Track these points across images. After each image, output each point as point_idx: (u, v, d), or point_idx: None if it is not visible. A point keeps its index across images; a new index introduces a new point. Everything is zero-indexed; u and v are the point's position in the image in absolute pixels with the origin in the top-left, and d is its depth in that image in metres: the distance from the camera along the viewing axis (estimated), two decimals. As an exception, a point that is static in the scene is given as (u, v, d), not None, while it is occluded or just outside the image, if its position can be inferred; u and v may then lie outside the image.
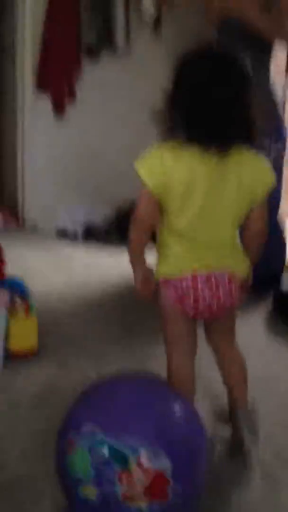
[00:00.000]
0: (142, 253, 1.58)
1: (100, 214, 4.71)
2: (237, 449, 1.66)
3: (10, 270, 2.30)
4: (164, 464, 1.26)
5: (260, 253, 1.63)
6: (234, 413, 1.68)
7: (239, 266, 1.57)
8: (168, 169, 1.44)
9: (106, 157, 4.67)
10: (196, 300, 1.52)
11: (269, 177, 1.55)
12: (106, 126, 4.66)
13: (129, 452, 1.25)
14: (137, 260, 1.57)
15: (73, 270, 3.55)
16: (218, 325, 1.66)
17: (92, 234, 4.56)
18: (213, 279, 1.51)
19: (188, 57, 1.50)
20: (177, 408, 1.40)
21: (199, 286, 1.50)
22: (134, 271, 1.58)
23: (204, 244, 1.51)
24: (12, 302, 2.26)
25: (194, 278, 1.50)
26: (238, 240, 1.61)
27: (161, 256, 1.56)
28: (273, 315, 2.78)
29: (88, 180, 4.67)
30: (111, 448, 1.26)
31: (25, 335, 2.29)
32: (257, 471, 1.64)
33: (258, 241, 1.61)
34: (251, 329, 2.60)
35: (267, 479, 1.63)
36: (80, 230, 4.58)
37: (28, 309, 2.31)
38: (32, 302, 2.33)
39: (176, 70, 1.49)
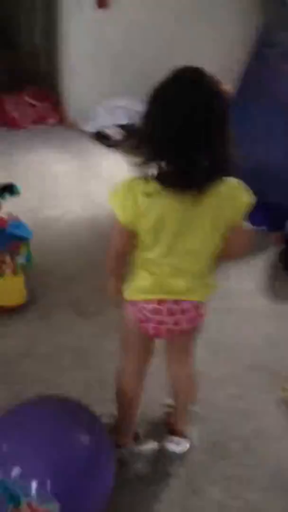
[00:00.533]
0: (118, 271, 1.59)
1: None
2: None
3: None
4: (52, 506, 1.40)
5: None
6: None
7: (207, 292, 1.57)
8: (140, 206, 1.39)
9: (149, 52, 4.40)
10: (157, 325, 1.57)
11: (245, 202, 1.44)
12: (150, 19, 4.34)
13: (21, 493, 1.40)
14: (111, 275, 1.61)
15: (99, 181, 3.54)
16: (174, 345, 1.70)
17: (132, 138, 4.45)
18: (177, 307, 1.53)
19: (158, 88, 1.34)
20: (80, 444, 1.50)
21: (163, 313, 1.54)
22: (108, 283, 1.61)
23: (174, 275, 1.49)
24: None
25: (159, 305, 1.52)
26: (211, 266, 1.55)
27: (132, 278, 1.57)
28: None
29: (130, 76, 4.45)
30: (5, 487, 1.41)
31: (11, 291, 2.42)
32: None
33: (239, 256, 1.60)
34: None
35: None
36: (119, 132, 4.46)
37: (15, 268, 2.41)
38: (25, 254, 2.44)
39: (147, 103, 1.35)
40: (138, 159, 1.36)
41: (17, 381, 2.10)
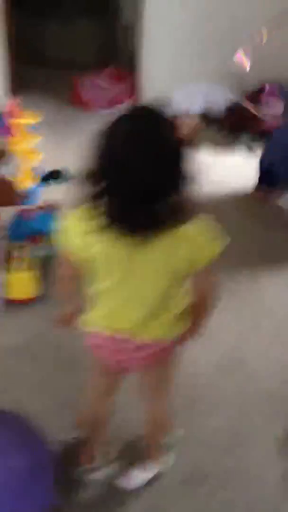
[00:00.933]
0: (70, 295, 1.55)
1: (220, 99, 4.33)
2: None
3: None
4: None
5: (206, 314, 1.48)
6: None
7: (166, 331, 1.46)
8: (85, 242, 1.33)
9: (231, 34, 4.16)
10: (110, 357, 1.51)
11: (210, 251, 1.33)
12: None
13: None
14: (63, 300, 1.56)
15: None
16: (144, 379, 1.62)
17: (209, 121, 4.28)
18: (129, 343, 1.44)
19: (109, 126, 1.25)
20: (14, 477, 1.46)
21: (113, 347, 1.47)
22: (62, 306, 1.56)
23: (125, 310, 1.41)
24: (11, 256, 2.37)
25: (110, 338, 1.45)
26: (173, 305, 1.44)
27: (86, 307, 1.49)
28: None
29: (210, 58, 4.26)
30: None
31: (22, 286, 2.42)
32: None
33: (203, 303, 1.46)
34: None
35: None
36: (193, 118, 4.29)
37: (29, 262, 2.41)
38: (46, 247, 2.42)
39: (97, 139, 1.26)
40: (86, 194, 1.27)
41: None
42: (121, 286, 1.37)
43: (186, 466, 1.86)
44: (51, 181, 3.12)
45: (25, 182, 2.99)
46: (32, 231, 2.50)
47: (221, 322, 2.37)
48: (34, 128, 3.14)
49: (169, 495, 1.77)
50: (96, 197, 1.24)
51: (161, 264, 1.32)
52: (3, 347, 2.26)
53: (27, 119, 3.11)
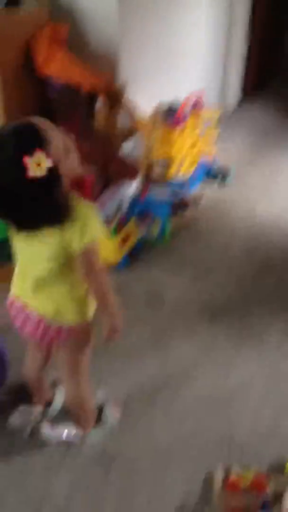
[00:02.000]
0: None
1: None
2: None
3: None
4: None
5: (102, 300, 1.53)
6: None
7: (51, 308, 1.55)
8: None
9: None
10: (14, 322, 1.62)
11: (83, 239, 1.41)
12: None
13: None
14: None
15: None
16: (56, 357, 1.72)
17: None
18: (23, 312, 1.58)
19: None
20: None
21: (13, 312, 1.61)
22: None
23: (20, 281, 1.58)
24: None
25: (12, 303, 1.61)
26: (59, 282, 1.53)
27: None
28: None
29: None
30: None
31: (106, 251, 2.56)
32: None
33: (91, 287, 1.53)
34: None
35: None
36: None
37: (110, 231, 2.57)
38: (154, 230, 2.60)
39: None
40: None
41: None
42: (21, 264, 1.54)
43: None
44: (217, 179, 3.24)
45: (185, 171, 3.17)
46: (145, 209, 2.68)
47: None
48: (208, 124, 3.28)
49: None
50: None
51: (44, 249, 1.44)
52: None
53: (207, 113, 3.25)
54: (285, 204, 3.11)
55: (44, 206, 1.32)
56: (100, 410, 1.91)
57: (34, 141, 1.25)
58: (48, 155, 1.24)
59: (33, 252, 1.48)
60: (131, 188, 2.72)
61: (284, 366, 2.13)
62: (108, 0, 2.48)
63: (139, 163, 2.63)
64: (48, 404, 1.96)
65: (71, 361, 1.68)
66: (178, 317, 2.35)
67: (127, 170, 2.60)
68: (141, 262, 2.67)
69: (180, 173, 3.15)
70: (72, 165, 1.37)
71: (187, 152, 3.15)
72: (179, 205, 2.97)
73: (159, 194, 2.83)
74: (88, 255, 1.44)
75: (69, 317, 1.56)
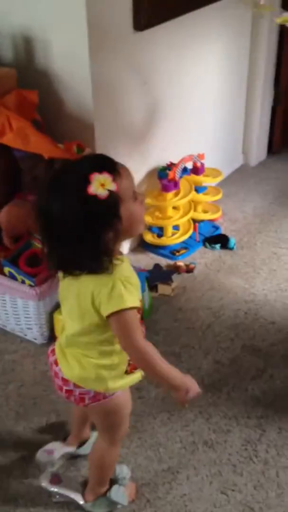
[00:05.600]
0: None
1: None
2: None
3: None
4: None
5: (144, 368, 1.46)
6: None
7: (76, 373, 1.50)
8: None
9: None
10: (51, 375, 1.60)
11: (112, 302, 1.34)
12: None
13: None
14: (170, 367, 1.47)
15: None
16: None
17: None
18: (53, 367, 1.56)
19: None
20: None
21: (50, 360, 1.59)
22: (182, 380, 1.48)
23: (61, 339, 1.55)
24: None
25: (51, 351, 1.60)
26: (89, 348, 1.49)
27: None
28: None
29: None
30: None
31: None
32: None
33: (132, 360, 1.48)
34: None
35: None
36: None
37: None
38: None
39: None
40: None
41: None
42: (63, 314, 1.52)
43: None
44: (216, 246, 3.02)
45: (180, 237, 2.99)
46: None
47: None
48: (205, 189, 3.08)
49: None
50: None
51: (75, 301, 1.40)
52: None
53: (208, 178, 3.07)
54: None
55: (89, 241, 1.27)
56: (111, 486, 1.80)
57: (106, 165, 1.26)
58: (115, 181, 1.23)
59: (71, 305, 1.43)
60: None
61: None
62: (80, 60, 2.38)
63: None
64: (81, 444, 1.93)
65: (103, 427, 1.65)
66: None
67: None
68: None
69: (174, 240, 2.96)
70: (136, 211, 1.33)
71: (182, 217, 2.96)
72: (167, 273, 2.77)
73: (140, 264, 2.66)
74: (118, 327, 1.36)
75: (92, 384, 1.50)
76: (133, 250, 3.01)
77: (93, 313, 1.38)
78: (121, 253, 1.40)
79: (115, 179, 1.24)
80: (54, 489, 1.81)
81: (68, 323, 1.49)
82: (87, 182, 1.21)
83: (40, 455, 1.88)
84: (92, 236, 1.27)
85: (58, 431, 2.02)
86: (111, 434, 1.66)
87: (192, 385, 1.46)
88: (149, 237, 2.98)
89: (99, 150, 2.55)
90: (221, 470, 1.92)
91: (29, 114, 2.40)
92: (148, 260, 2.94)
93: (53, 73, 2.51)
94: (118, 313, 1.33)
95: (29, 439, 2.02)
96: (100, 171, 1.22)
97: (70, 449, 1.91)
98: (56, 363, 1.55)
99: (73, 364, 1.50)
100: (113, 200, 1.24)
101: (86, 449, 1.90)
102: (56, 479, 1.83)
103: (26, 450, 1.97)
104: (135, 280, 1.40)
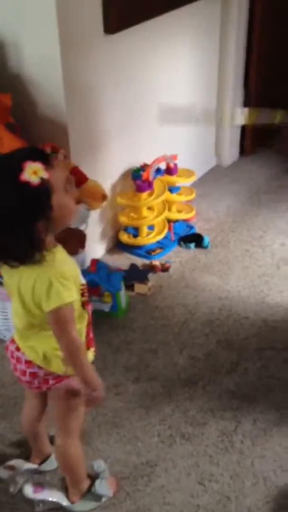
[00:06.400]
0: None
1: None
2: None
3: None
4: None
5: (69, 357, 1.47)
6: None
7: (35, 355, 1.54)
8: None
9: None
10: (10, 361, 1.62)
11: (49, 301, 1.38)
12: None
13: None
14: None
15: None
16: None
17: None
18: (15, 353, 1.58)
19: None
20: None
21: (8, 353, 1.62)
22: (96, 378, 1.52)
23: (15, 329, 1.59)
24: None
25: (11, 341, 1.62)
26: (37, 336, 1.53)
27: None
28: None
29: None
30: None
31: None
32: None
33: (61, 351, 1.48)
34: None
35: None
36: None
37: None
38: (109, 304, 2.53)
39: None
40: None
41: None
42: (13, 302, 1.52)
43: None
44: (190, 245, 3.07)
45: (155, 237, 3.03)
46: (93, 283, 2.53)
47: None
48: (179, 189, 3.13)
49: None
50: None
51: (16, 290, 1.42)
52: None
53: (181, 178, 3.12)
54: (262, 272, 2.88)
55: (20, 229, 1.30)
56: (93, 481, 1.83)
57: (40, 155, 1.30)
58: (47, 170, 1.27)
59: (15, 301, 1.46)
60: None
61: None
62: (52, 63, 2.41)
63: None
64: (44, 460, 1.90)
65: (61, 413, 1.66)
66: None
67: (74, 239, 2.47)
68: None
69: (149, 239, 3.01)
70: (67, 203, 1.36)
71: (157, 217, 3.00)
72: (143, 273, 2.81)
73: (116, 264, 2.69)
74: (55, 321, 1.41)
75: (56, 367, 1.53)
76: (109, 250, 3.05)
77: (36, 309, 1.42)
78: (55, 245, 1.42)
79: (47, 168, 1.27)
80: (39, 497, 1.80)
81: (14, 316, 1.53)
82: (20, 169, 1.25)
83: (1, 471, 1.88)
84: (23, 223, 1.30)
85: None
86: (68, 422, 1.67)
87: (100, 387, 1.50)
88: (125, 238, 3.02)
89: (73, 152, 2.59)
90: (198, 462, 1.96)
91: (3, 118, 2.43)
92: (125, 260, 2.97)
93: (26, 77, 2.53)
94: (57, 309, 1.38)
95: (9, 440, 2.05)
96: (33, 160, 1.26)
97: (32, 465, 1.90)
98: (17, 349, 1.56)
99: (33, 350, 1.53)
100: (45, 188, 1.28)
101: (50, 465, 1.91)
102: (39, 487, 1.83)
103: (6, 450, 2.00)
104: (72, 271, 1.44)
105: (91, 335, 1.62)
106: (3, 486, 1.87)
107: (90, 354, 1.61)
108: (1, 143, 2.27)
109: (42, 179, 1.26)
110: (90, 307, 1.60)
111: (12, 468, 1.87)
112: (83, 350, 1.49)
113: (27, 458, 1.94)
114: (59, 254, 1.43)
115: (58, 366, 1.53)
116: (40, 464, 1.91)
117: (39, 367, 1.55)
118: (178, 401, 2.19)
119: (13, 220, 1.30)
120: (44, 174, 1.26)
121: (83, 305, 1.53)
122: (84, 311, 1.54)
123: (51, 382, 1.58)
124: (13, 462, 1.90)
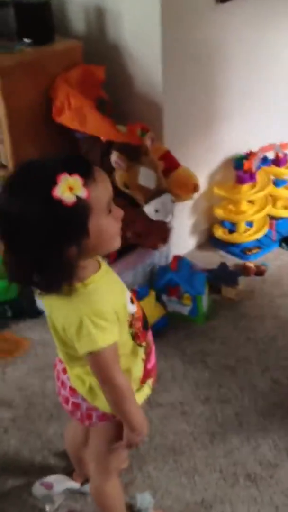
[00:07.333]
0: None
1: None
2: None
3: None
4: None
5: (113, 403, 1.28)
6: None
7: (79, 385, 1.34)
8: None
9: None
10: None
11: (81, 344, 1.17)
12: None
13: None
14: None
15: None
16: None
17: None
18: (61, 376, 1.40)
19: None
20: None
21: (55, 372, 1.44)
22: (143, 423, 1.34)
23: None
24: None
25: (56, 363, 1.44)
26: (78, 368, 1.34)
27: None
28: None
29: None
30: None
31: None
32: None
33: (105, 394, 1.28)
34: None
35: None
36: None
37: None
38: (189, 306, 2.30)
39: None
40: None
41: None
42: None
43: None
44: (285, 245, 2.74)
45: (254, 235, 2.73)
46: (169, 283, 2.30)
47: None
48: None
49: None
50: None
51: (49, 317, 1.26)
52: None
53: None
54: None
55: (47, 253, 1.08)
56: None
57: (80, 166, 1.07)
58: (87, 186, 1.04)
59: (48, 325, 1.28)
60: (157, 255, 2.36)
61: None
62: (151, 34, 2.15)
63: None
64: (87, 480, 1.69)
65: (100, 454, 1.47)
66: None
67: (156, 233, 2.24)
68: (159, 344, 2.27)
69: (247, 237, 2.70)
70: (109, 227, 1.13)
71: (258, 213, 2.68)
72: (233, 275, 2.52)
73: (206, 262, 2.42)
74: (92, 365, 1.22)
75: (102, 403, 1.32)
76: (200, 245, 2.80)
77: (73, 343, 1.20)
78: (93, 271, 1.18)
79: (87, 184, 1.04)
80: None
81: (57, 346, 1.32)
82: (54, 183, 1.02)
83: (37, 489, 1.69)
84: (49, 246, 1.07)
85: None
86: (106, 463, 1.47)
87: (145, 432, 1.32)
88: (220, 232, 2.74)
89: (167, 134, 2.34)
90: (261, 511, 1.68)
91: (93, 92, 2.23)
92: (216, 257, 2.70)
93: (123, 48, 2.31)
94: (91, 354, 1.17)
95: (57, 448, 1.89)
96: (70, 172, 1.03)
97: (74, 485, 1.72)
98: (64, 371, 1.37)
99: (83, 376, 1.32)
100: (81, 209, 1.05)
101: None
102: None
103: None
104: (114, 304, 1.20)
105: (149, 365, 1.37)
106: (38, 502, 1.71)
107: (147, 389, 1.39)
108: (84, 121, 2.07)
109: (78, 197, 1.03)
110: (149, 335, 1.37)
111: (49, 486, 1.69)
112: (130, 395, 1.27)
113: (70, 473, 1.76)
114: (97, 283, 1.18)
115: (104, 403, 1.31)
116: (82, 484, 1.72)
117: (83, 399, 1.34)
118: (249, 432, 1.90)
119: (38, 241, 1.07)
120: (82, 192, 1.03)
121: (134, 338, 1.28)
122: (137, 345, 1.30)
123: (94, 419, 1.37)
124: (52, 478, 1.72)
